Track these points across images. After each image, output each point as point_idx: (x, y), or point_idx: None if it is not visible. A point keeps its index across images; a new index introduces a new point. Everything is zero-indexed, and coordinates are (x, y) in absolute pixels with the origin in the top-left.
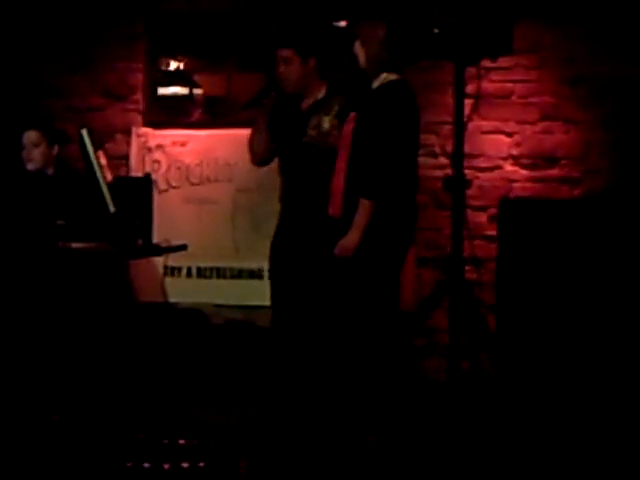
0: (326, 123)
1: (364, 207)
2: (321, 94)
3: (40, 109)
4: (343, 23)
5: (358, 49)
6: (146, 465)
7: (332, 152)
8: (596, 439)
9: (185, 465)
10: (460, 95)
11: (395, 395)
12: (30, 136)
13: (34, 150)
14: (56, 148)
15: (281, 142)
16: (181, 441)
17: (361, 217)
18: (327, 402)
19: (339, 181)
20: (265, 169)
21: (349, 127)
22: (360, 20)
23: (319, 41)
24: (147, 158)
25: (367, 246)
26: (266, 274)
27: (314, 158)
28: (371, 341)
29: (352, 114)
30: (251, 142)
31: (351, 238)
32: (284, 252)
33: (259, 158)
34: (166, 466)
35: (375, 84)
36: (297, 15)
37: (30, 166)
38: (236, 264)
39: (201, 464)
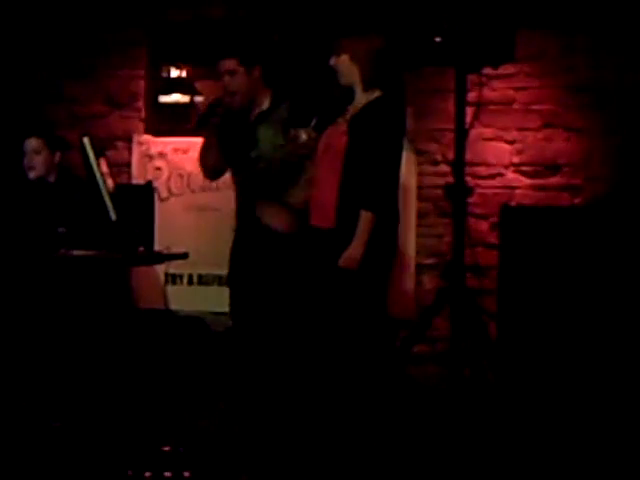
0: (304, 135)
1: (367, 219)
2: (265, 104)
3: (42, 116)
4: None
5: (344, 64)
6: (147, 474)
7: (288, 164)
8: (597, 447)
9: (187, 474)
10: (461, 102)
11: (395, 402)
12: (31, 143)
13: (36, 157)
14: (58, 155)
15: (231, 157)
16: (182, 449)
17: (364, 229)
18: (323, 410)
19: (329, 192)
20: None
21: (341, 140)
22: (351, 34)
23: (262, 48)
24: (148, 166)
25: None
26: None
27: (264, 171)
28: (363, 350)
29: (342, 126)
30: (201, 158)
31: (355, 250)
32: (243, 269)
33: (210, 173)
34: (167, 474)
35: (364, 100)
36: (239, 24)
37: (32, 174)
38: None
39: (202, 472)
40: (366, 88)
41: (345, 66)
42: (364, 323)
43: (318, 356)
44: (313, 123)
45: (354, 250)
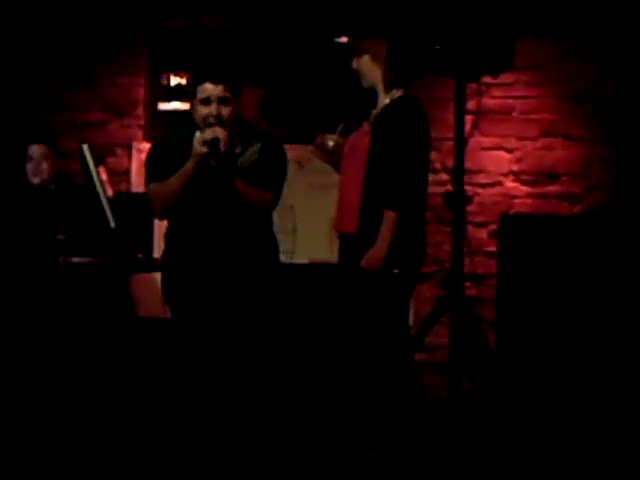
0: (330, 141)
1: (390, 219)
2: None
3: (41, 124)
4: (344, 39)
5: (366, 65)
6: None
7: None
8: (596, 456)
9: None
10: (461, 111)
11: (396, 411)
12: (39, 149)
13: (43, 163)
14: (59, 163)
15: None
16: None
17: (387, 229)
18: (329, 417)
19: (353, 196)
20: None
21: (364, 141)
22: (365, 36)
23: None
24: None
25: (389, 260)
26: None
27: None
28: (377, 358)
29: (365, 128)
30: (165, 199)
31: (378, 250)
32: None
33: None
34: None
35: (386, 100)
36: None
37: (37, 180)
38: None
39: None
40: (388, 89)
41: (367, 67)
42: (388, 329)
43: (338, 360)
44: (339, 129)
45: (377, 251)
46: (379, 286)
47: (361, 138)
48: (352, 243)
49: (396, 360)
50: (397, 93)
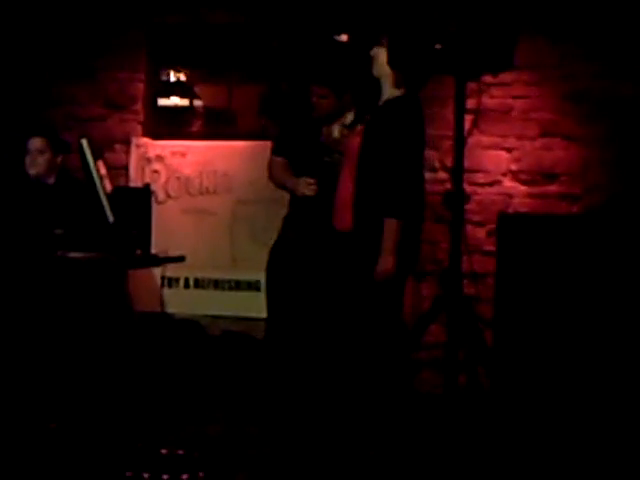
0: (336, 131)
1: (392, 227)
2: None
3: (41, 118)
4: (344, 37)
5: (382, 57)
6: (145, 475)
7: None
8: (591, 452)
9: (185, 477)
10: (460, 110)
11: (394, 409)
12: (36, 143)
13: (39, 157)
14: (60, 158)
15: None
16: (180, 452)
17: (391, 238)
18: (327, 414)
19: (346, 195)
20: (264, 181)
21: (355, 140)
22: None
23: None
24: (146, 169)
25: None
26: (264, 286)
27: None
28: (374, 355)
29: (359, 127)
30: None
31: (387, 262)
32: (286, 263)
33: None
34: (165, 477)
35: (383, 97)
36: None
37: (33, 171)
38: (234, 276)
39: (200, 474)
40: (396, 85)
41: (381, 59)
42: (382, 328)
43: (333, 359)
44: (346, 119)
45: (385, 262)
46: (372, 285)
47: (354, 138)
48: (347, 240)
49: (392, 358)
50: (396, 92)
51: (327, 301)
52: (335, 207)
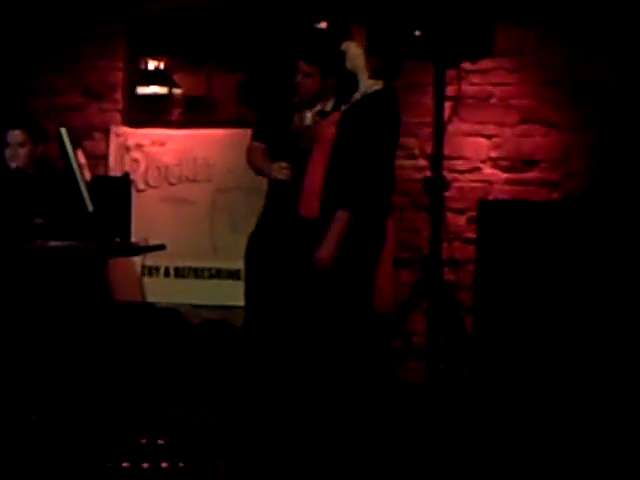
0: (308, 118)
1: (342, 218)
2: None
3: (21, 107)
4: (324, 25)
5: (352, 50)
6: (125, 465)
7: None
8: (574, 440)
9: (164, 465)
10: (440, 97)
11: (374, 396)
12: (16, 136)
13: (20, 150)
14: (40, 148)
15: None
16: (160, 441)
17: (337, 228)
18: (307, 403)
19: (315, 182)
20: (243, 169)
21: (330, 130)
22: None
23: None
24: (126, 157)
25: (344, 251)
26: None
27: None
28: (348, 344)
29: (334, 117)
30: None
31: (327, 250)
32: (262, 250)
33: None
34: (145, 466)
35: (361, 90)
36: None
37: (13, 164)
38: (214, 264)
39: (180, 464)
40: (371, 76)
41: (352, 52)
42: (347, 319)
43: (306, 352)
44: (318, 108)
45: (324, 250)
46: (335, 278)
47: (327, 127)
48: (312, 228)
49: (366, 345)
50: (375, 86)
51: (296, 288)
52: (302, 193)
